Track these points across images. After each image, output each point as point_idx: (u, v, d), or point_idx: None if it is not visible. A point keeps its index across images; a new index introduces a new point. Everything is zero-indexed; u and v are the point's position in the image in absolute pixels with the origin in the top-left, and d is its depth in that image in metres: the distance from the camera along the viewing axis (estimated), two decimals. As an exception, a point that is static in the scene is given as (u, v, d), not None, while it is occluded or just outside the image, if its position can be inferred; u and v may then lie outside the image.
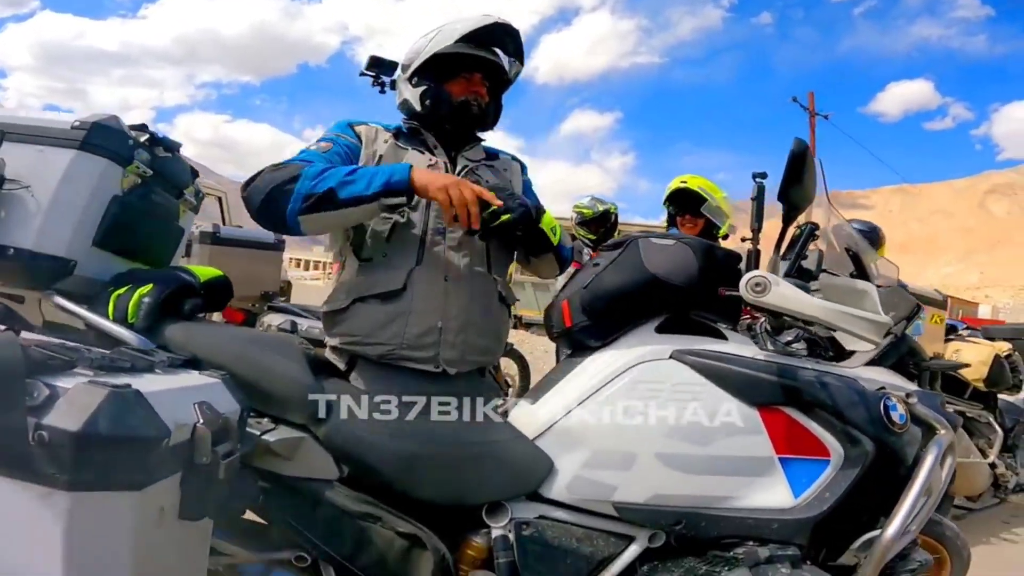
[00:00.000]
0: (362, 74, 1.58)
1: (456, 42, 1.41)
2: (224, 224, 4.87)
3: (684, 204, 2.59)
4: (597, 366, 1.12)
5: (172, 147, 1.24)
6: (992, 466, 2.84)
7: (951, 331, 3.00)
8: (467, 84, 1.45)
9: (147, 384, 0.78)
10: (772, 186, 1.06)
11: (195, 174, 1.33)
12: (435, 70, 1.45)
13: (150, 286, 1.08)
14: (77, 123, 1.10)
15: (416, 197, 1.27)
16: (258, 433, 0.98)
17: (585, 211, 3.61)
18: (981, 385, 2.79)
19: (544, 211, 1.44)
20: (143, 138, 1.19)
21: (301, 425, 1.03)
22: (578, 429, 1.08)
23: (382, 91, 1.57)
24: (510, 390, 4.53)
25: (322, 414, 1.02)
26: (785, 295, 0.99)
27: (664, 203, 2.71)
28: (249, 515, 1.05)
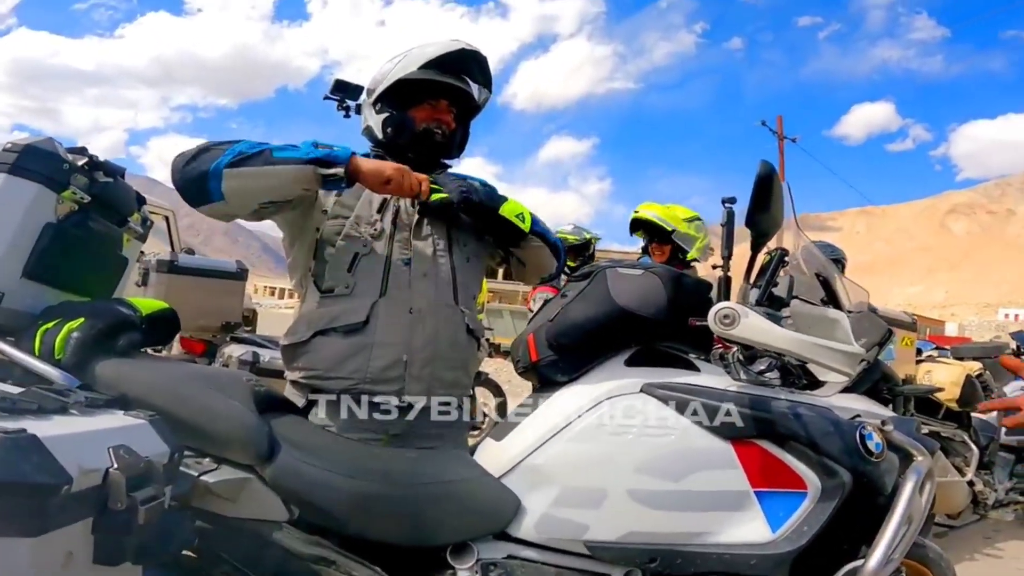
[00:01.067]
0: (326, 97, 1.55)
1: (421, 68, 1.38)
2: (173, 245, 4.68)
3: (650, 232, 2.61)
4: (565, 401, 1.08)
5: (114, 172, 1.17)
6: (970, 483, 2.87)
7: (919, 352, 3.04)
8: (431, 111, 1.43)
9: (52, 427, 0.75)
10: (742, 210, 1.05)
11: (141, 200, 1.26)
12: (400, 96, 1.42)
13: (81, 320, 1.02)
14: (9, 145, 1.05)
15: (355, 182, 1.24)
16: (195, 474, 0.95)
17: (569, 238, 3.69)
18: (954, 405, 2.82)
19: (505, 199, 1.42)
20: (81, 162, 1.12)
21: (247, 465, 0.98)
22: (546, 466, 1.04)
23: (347, 115, 1.54)
24: (486, 419, 4.45)
25: (268, 453, 0.98)
26: (754, 327, 0.97)
27: (631, 233, 2.73)
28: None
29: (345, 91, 1.52)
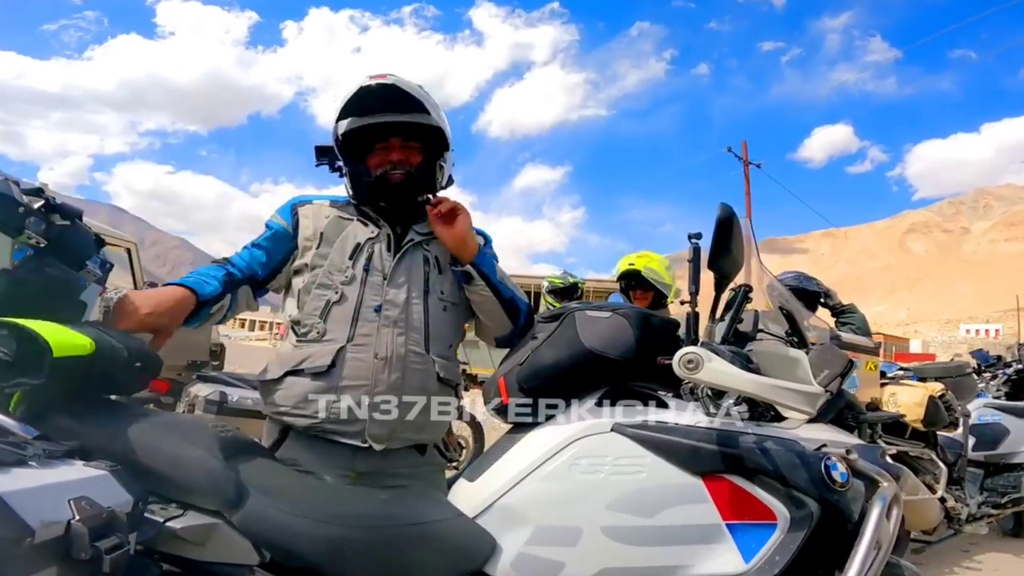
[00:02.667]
0: (317, 165, 1.53)
1: (343, 120, 1.39)
2: (135, 278, 4.55)
3: (635, 280, 2.83)
4: (537, 442, 1.10)
5: (72, 214, 1.14)
6: (942, 500, 2.93)
7: (883, 375, 3.12)
8: (382, 155, 1.42)
9: (10, 481, 0.76)
10: (709, 242, 1.08)
11: (100, 243, 1.23)
12: (352, 150, 1.43)
13: None
14: None
15: None
16: (161, 520, 0.93)
17: (556, 281, 4.03)
18: (920, 425, 2.88)
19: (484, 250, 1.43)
20: (37, 204, 1.09)
21: (214, 511, 0.96)
22: (520, 506, 1.05)
23: (341, 175, 1.50)
24: (464, 452, 4.40)
25: (235, 499, 0.96)
26: (717, 371, 0.99)
27: (618, 279, 2.94)
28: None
29: (327, 154, 1.49)
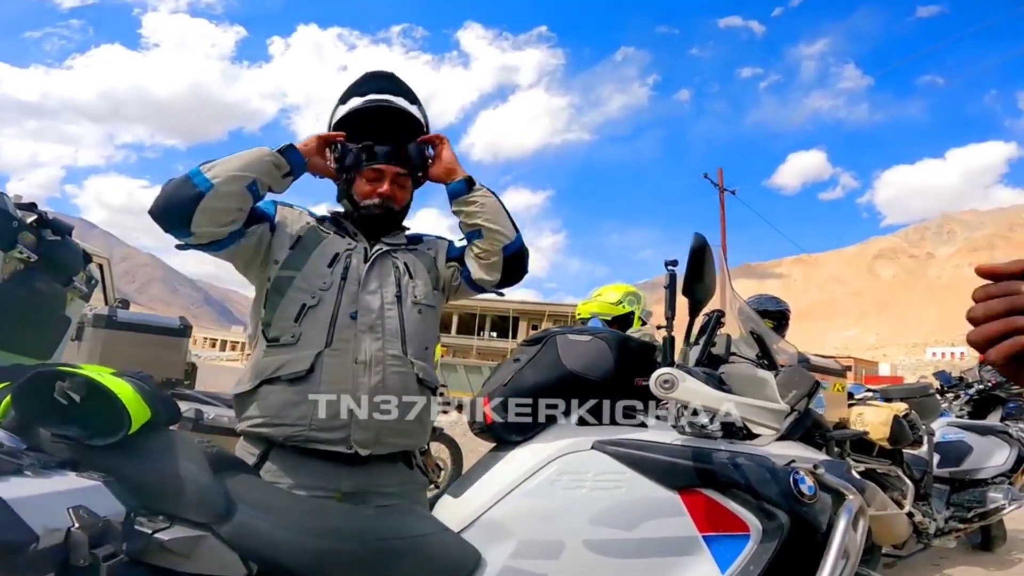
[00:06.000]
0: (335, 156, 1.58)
1: (343, 105, 1.50)
2: (107, 294, 4.47)
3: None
4: (521, 459, 1.13)
5: (63, 230, 1.15)
6: (910, 515, 3.00)
7: (851, 396, 3.23)
8: (375, 184, 1.46)
9: (12, 489, 0.78)
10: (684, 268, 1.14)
11: (87, 259, 1.24)
12: (351, 135, 1.47)
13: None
14: None
15: (303, 161, 1.40)
16: (149, 532, 0.92)
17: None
18: (886, 444, 2.98)
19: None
20: (30, 219, 1.10)
21: (202, 524, 0.96)
22: (504, 520, 1.07)
23: (333, 179, 1.55)
24: (442, 473, 4.37)
25: (224, 512, 0.97)
26: (691, 390, 1.05)
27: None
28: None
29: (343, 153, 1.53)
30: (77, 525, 0.79)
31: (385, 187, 1.46)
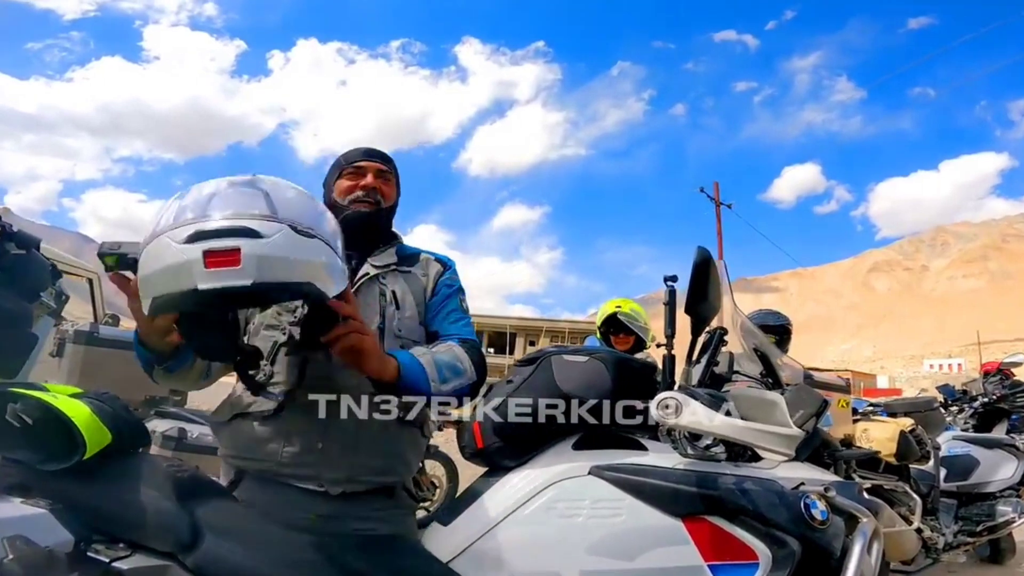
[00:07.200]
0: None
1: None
2: (96, 310, 4.38)
3: (616, 325, 3.03)
4: (514, 485, 1.08)
5: (28, 244, 1.09)
6: (918, 531, 2.94)
7: (855, 411, 3.17)
8: (355, 178, 1.37)
9: None
10: (685, 283, 1.09)
11: (57, 274, 1.18)
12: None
13: None
14: None
15: None
16: (107, 560, 0.88)
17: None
18: (893, 460, 2.91)
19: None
20: None
21: (166, 553, 0.91)
22: (497, 551, 1.02)
23: None
24: (437, 492, 4.27)
25: (189, 541, 0.91)
26: (695, 415, 0.99)
27: (599, 325, 3.12)
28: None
29: None
30: (11, 556, 0.75)
31: (369, 179, 1.38)
